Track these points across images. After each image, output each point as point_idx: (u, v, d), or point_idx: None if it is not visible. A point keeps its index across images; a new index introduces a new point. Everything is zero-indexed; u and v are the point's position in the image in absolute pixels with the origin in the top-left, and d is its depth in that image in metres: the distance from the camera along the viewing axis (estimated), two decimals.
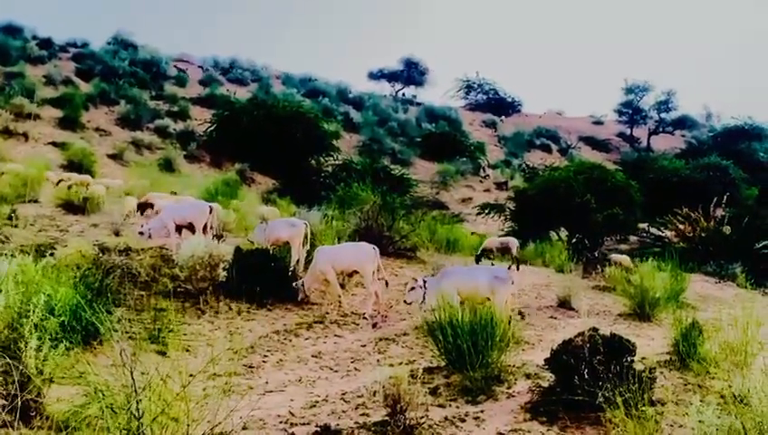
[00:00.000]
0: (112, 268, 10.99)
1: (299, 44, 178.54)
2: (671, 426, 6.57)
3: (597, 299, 15.12)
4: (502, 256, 19.34)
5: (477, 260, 18.38)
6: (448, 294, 10.31)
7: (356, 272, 12.50)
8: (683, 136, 79.31)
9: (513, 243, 19.33)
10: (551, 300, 14.33)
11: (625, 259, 19.70)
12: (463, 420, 6.88)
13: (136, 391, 4.90)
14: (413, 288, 11.02)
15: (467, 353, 8.02)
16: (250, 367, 8.96)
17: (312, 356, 9.71)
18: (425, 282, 10.93)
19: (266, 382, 8.35)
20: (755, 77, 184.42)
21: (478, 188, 49.57)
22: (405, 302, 11.43)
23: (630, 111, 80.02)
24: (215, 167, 36.17)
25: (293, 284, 12.17)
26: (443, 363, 8.51)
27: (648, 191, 36.38)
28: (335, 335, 10.80)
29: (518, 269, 18.15)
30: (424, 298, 10.70)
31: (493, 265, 18.10)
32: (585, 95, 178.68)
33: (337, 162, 38.02)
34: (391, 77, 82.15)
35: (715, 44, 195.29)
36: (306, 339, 10.53)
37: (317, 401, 7.60)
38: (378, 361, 9.53)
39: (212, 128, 38.23)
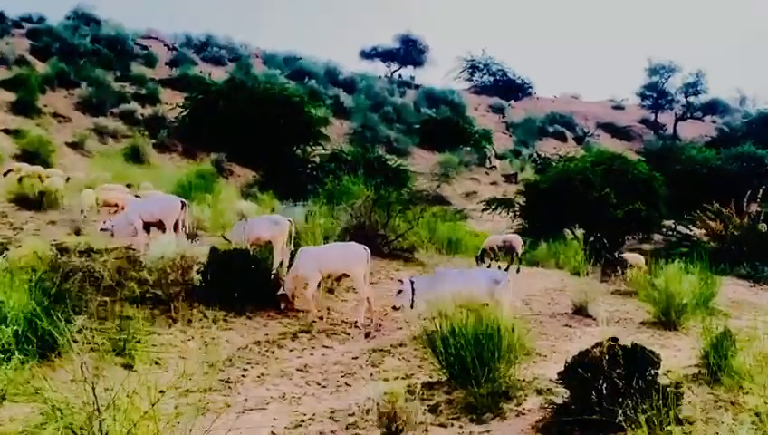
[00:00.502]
0: (72, 271, 10.92)
1: (282, 19, 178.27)
2: None
3: (617, 305, 15.15)
4: (505, 255, 19.33)
5: (478, 261, 18.39)
6: (443, 300, 10.38)
7: (345, 275, 12.52)
8: (713, 122, 79.52)
9: (518, 241, 19.33)
10: (565, 306, 14.36)
11: (637, 258, 19.76)
12: None
13: (98, 409, 4.89)
14: (400, 291, 11.06)
15: (471, 367, 8.02)
16: (227, 382, 8.95)
17: (298, 370, 9.71)
18: (412, 283, 10.95)
19: (246, 399, 8.35)
20: None
21: (484, 181, 49.61)
22: (393, 308, 11.46)
23: (655, 95, 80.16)
24: (188, 157, 36.08)
25: (278, 293, 12.10)
26: (444, 378, 8.52)
27: (675, 184, 36.42)
28: (323, 346, 10.81)
29: (518, 271, 18.17)
30: (412, 302, 10.74)
31: (490, 266, 18.16)
32: (604, 77, 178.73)
33: (325, 152, 37.97)
34: (386, 56, 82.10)
35: (749, 20, 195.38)
36: (291, 351, 10.53)
37: (303, 421, 7.61)
38: (371, 375, 9.53)
39: (184, 113, 38.04)
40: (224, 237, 14.66)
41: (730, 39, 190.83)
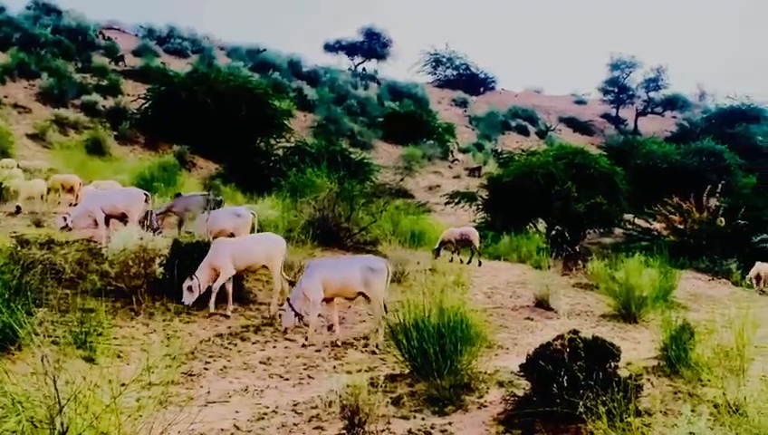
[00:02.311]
0: (33, 263, 10.78)
1: (246, 11, 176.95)
2: None
3: (578, 298, 15.32)
4: (462, 248, 19.40)
5: (435, 254, 18.39)
6: (313, 290, 10.38)
7: (264, 267, 12.11)
8: (674, 118, 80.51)
9: (474, 234, 19.38)
10: (527, 299, 14.47)
11: None
12: (428, 434, 6.91)
13: (60, 402, 4.84)
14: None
15: (434, 359, 8.07)
16: (190, 375, 8.90)
17: (261, 363, 9.68)
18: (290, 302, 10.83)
19: (208, 392, 8.31)
20: (754, 52, 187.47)
21: (447, 175, 49.74)
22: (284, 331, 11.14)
23: (616, 90, 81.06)
24: (150, 149, 35.68)
25: (184, 285, 11.23)
26: (407, 370, 8.56)
27: (635, 179, 36.93)
28: (286, 339, 10.77)
29: (480, 264, 18.23)
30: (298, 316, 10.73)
31: (454, 259, 18.23)
32: (566, 72, 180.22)
33: (289, 144, 37.83)
34: (350, 49, 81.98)
35: (710, 17, 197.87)
36: (254, 343, 10.49)
37: (265, 413, 7.58)
38: (334, 367, 9.54)
39: (147, 105, 37.71)
40: (186, 232, 14.54)
41: (690, 35, 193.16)
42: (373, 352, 10.35)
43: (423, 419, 7.26)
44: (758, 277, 21.16)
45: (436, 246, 18.97)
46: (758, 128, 68.38)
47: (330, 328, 11.32)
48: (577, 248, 20.33)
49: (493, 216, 31.40)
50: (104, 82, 44.55)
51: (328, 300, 10.93)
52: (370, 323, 11.57)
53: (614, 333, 11.98)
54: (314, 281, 10.60)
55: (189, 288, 11.12)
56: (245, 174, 28.78)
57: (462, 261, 18.29)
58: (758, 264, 21.47)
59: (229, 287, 11.72)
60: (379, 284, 10.61)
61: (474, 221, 31.90)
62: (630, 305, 13.23)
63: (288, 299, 10.79)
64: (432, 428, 7.02)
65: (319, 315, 12.04)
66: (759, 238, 28.76)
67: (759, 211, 31.67)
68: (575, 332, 7.24)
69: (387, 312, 10.81)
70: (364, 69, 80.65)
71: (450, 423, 7.15)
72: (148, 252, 11.53)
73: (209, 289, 11.47)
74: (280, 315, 10.89)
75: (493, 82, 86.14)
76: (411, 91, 69.00)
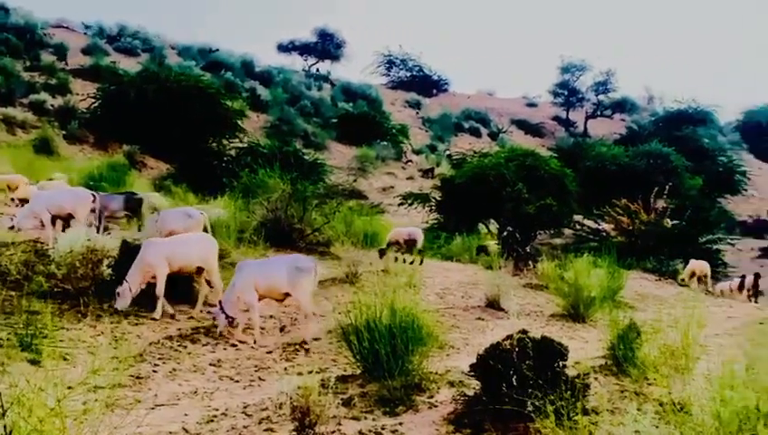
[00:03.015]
0: None
1: (197, 10, 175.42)
2: None
3: (528, 298, 15.43)
4: (408, 248, 19.39)
5: (381, 254, 18.34)
6: (245, 292, 10.36)
7: (200, 269, 11.73)
8: (622, 120, 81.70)
9: (418, 234, 19.40)
10: (478, 300, 14.53)
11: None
12: (379, 434, 6.91)
13: (2, 406, 4.74)
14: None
15: (385, 360, 8.07)
16: (138, 378, 8.77)
17: (211, 365, 9.59)
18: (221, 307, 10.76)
19: (156, 395, 8.21)
20: (700, 56, 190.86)
21: (401, 176, 49.87)
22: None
23: (566, 93, 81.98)
24: (99, 149, 35.19)
25: (117, 289, 10.93)
26: (358, 371, 8.54)
27: (585, 180, 37.42)
28: (237, 341, 10.69)
29: (421, 263, 18.24)
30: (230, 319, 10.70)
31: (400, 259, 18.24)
32: (518, 74, 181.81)
33: (241, 145, 37.59)
34: (303, 50, 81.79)
35: (658, 21, 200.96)
36: (204, 345, 10.39)
37: (215, 416, 7.51)
38: (285, 369, 9.49)
39: (96, 104, 37.22)
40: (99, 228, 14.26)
41: (639, 39, 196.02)
42: (319, 352, 10.32)
43: (374, 419, 7.25)
44: (693, 275, 21.48)
45: (383, 246, 18.87)
46: (704, 130, 69.70)
47: (282, 329, 11.27)
48: (528, 249, 20.48)
49: (446, 217, 31.55)
50: (53, 81, 43.91)
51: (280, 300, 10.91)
52: (322, 324, 11.54)
53: (563, 333, 12.10)
54: (245, 282, 10.54)
55: (119, 293, 10.86)
56: (197, 174, 28.48)
57: (405, 261, 18.30)
58: (692, 262, 21.81)
59: (159, 290, 11.31)
60: (305, 283, 10.57)
61: (427, 222, 32.04)
62: (579, 305, 13.37)
63: (220, 302, 10.73)
64: (383, 428, 7.01)
65: (270, 316, 12.03)
66: (705, 239, 29.33)
67: (705, 212, 32.30)
68: (524, 331, 7.28)
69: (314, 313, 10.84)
70: (318, 70, 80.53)
71: (401, 423, 7.14)
72: (96, 253, 11.35)
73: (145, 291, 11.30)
74: (214, 317, 10.83)
75: (446, 83, 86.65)
76: (365, 93, 69.10)
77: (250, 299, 10.55)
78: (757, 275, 22.16)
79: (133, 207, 15.86)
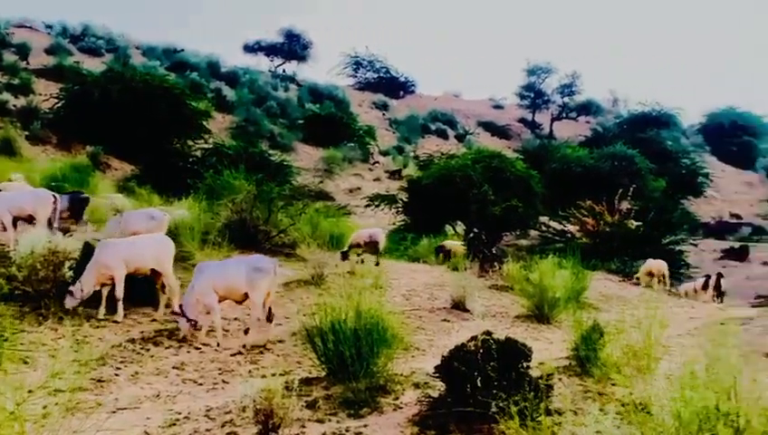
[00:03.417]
0: None
1: (163, 10, 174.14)
2: None
3: (494, 300, 15.49)
4: (371, 250, 19.34)
5: (344, 256, 18.27)
6: (205, 294, 10.30)
7: (154, 271, 11.59)
8: (588, 123, 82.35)
9: (380, 235, 19.40)
10: (444, 301, 14.56)
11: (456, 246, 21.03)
12: None
13: None
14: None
15: (350, 362, 8.06)
16: (99, 381, 8.68)
17: (174, 368, 9.51)
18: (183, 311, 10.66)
19: (117, 399, 8.12)
20: (664, 59, 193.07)
21: (367, 177, 49.86)
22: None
23: (532, 95, 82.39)
24: (63, 150, 34.75)
25: (70, 287, 10.81)
26: (323, 373, 8.51)
27: (550, 182, 37.64)
28: (201, 344, 10.61)
29: (377, 264, 18.22)
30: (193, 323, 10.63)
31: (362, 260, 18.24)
32: (484, 76, 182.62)
33: (207, 146, 37.34)
34: (270, 50, 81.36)
35: (621, 24, 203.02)
36: (167, 348, 10.30)
37: (177, 419, 7.44)
38: (249, 372, 9.44)
39: (59, 104, 36.76)
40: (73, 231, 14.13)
41: (604, 42, 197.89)
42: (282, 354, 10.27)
43: (338, 422, 7.23)
44: (650, 274, 21.60)
45: (345, 248, 18.77)
46: (668, 133, 70.44)
47: (246, 332, 11.19)
48: (493, 250, 20.57)
49: (412, 218, 31.58)
50: (15, 81, 43.26)
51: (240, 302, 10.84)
52: (286, 326, 11.50)
53: (528, 334, 12.16)
54: (204, 284, 10.46)
55: (70, 292, 10.71)
56: (162, 175, 28.24)
57: (362, 262, 18.27)
58: (649, 261, 21.94)
59: (119, 293, 11.20)
60: (263, 284, 10.51)
61: (394, 224, 32.08)
62: (544, 306, 13.45)
63: (180, 305, 10.64)
64: (347, 430, 6.98)
65: (235, 319, 11.96)
66: (668, 241, 29.66)
67: (668, 214, 32.65)
68: (488, 333, 7.30)
69: (273, 317, 10.76)
70: (284, 70, 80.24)
71: (365, 426, 7.13)
72: (58, 255, 11.20)
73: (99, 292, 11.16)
74: (177, 320, 10.75)
75: (413, 85, 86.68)
76: (332, 94, 68.94)
77: (210, 301, 10.47)
78: (719, 276, 22.42)
79: (76, 207, 15.62)
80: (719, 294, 21.71)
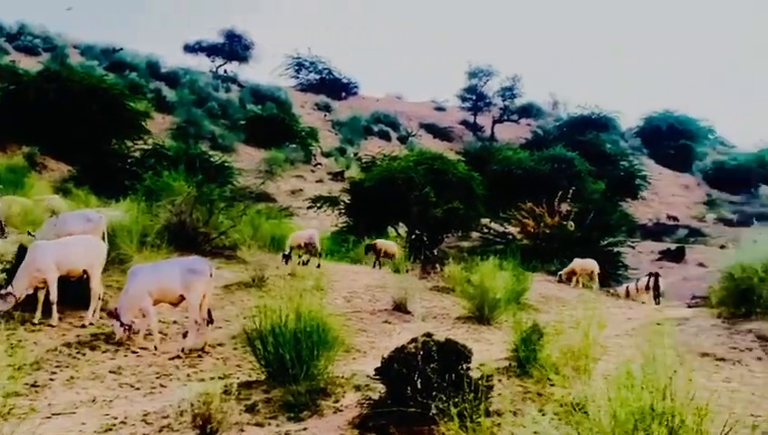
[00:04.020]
0: None
1: (101, 9, 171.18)
2: None
3: (435, 301, 15.53)
4: (309, 251, 19.25)
5: (285, 258, 18.16)
6: (139, 297, 10.19)
7: (85, 272, 11.32)
8: (528, 125, 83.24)
9: (317, 237, 19.40)
10: (386, 303, 14.57)
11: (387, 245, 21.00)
12: None
13: None
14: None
15: (290, 365, 8.01)
16: (34, 386, 8.50)
17: (110, 372, 9.35)
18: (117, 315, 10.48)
19: (51, 404, 7.96)
20: (603, 62, 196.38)
21: (310, 179, 49.71)
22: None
23: (474, 98, 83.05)
24: None
25: (1, 292, 10.56)
26: (263, 377, 8.45)
27: (492, 184, 37.85)
28: (138, 348, 10.44)
29: (319, 266, 18.17)
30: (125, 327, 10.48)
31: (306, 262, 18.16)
32: (427, 78, 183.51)
33: (146, 147, 36.83)
34: (211, 51, 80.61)
35: (563, 28, 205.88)
36: (104, 352, 10.12)
37: (113, 424, 7.32)
38: (187, 375, 9.32)
39: None
40: (29, 233, 13.80)
41: (544, 45, 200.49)
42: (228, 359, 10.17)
43: (278, 425, 7.18)
44: (573, 273, 21.73)
45: (286, 251, 18.65)
46: (607, 136, 71.60)
47: (185, 335, 11.05)
48: (435, 252, 20.66)
49: (355, 220, 31.53)
50: None
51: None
52: (226, 329, 11.39)
53: (468, 335, 12.22)
54: (139, 288, 10.30)
55: (3, 296, 10.46)
56: (100, 177, 27.75)
57: (303, 263, 18.22)
58: (576, 260, 22.07)
59: (53, 296, 10.96)
60: (199, 286, 10.37)
61: (336, 225, 31.99)
62: (484, 308, 13.52)
63: (115, 309, 10.46)
64: (287, 434, 6.94)
65: (174, 322, 11.80)
66: (606, 242, 30.11)
67: (607, 216, 33.15)
68: (429, 334, 7.31)
69: (212, 321, 10.65)
70: (225, 71, 79.59)
71: (305, 429, 7.09)
72: None
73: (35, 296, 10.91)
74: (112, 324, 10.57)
75: (355, 87, 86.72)
76: (274, 95, 68.61)
77: (144, 305, 10.30)
78: (657, 276, 22.74)
79: None
80: (657, 294, 22.01)
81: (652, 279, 22.23)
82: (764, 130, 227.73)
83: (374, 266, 20.95)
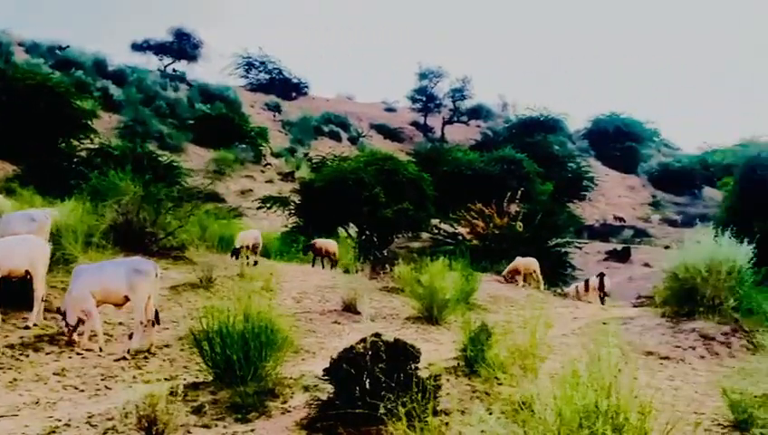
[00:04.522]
0: None
1: (47, 7, 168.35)
2: None
3: (385, 301, 15.55)
4: (254, 251, 19.22)
5: (233, 254, 18.06)
6: (82, 298, 10.07)
7: (28, 273, 11.05)
8: (478, 127, 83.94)
9: (260, 237, 19.39)
10: (335, 303, 14.55)
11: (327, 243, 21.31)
12: None
13: None
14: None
15: (238, 366, 7.97)
16: None
17: (54, 374, 9.18)
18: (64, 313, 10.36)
19: None
20: (552, 65, 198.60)
21: (260, 179, 49.46)
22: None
23: (424, 99, 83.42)
24: None
25: None
26: (210, 378, 8.38)
27: (442, 185, 38.03)
28: (84, 349, 10.28)
29: (255, 264, 18.10)
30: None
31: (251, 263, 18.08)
32: (378, 79, 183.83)
33: (92, 146, 36.27)
34: (159, 49, 79.68)
35: (510, 30, 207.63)
36: (47, 354, 9.94)
37: (57, 427, 7.20)
38: (133, 377, 9.20)
39: None
40: None
41: (494, 47, 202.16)
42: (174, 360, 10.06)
43: (225, 427, 7.13)
44: (517, 272, 21.79)
45: (233, 249, 18.51)
46: (555, 137, 72.40)
47: (131, 336, 10.91)
48: (385, 252, 20.68)
49: (305, 220, 31.43)
50: None
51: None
52: (173, 330, 11.28)
53: (418, 335, 12.26)
54: (82, 288, 10.14)
55: None
56: (45, 176, 27.27)
57: (248, 264, 18.17)
58: (517, 259, 22.15)
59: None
60: (144, 286, 10.21)
61: (286, 226, 31.85)
62: (434, 308, 13.56)
63: (58, 308, 10.29)
64: None
65: (120, 323, 11.64)
66: (554, 243, 30.41)
67: (555, 217, 33.51)
68: (378, 335, 7.32)
69: (158, 321, 10.53)
70: (174, 70, 78.76)
71: (253, 430, 7.05)
72: None
73: None
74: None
75: (306, 87, 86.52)
76: (223, 94, 68.11)
77: (88, 306, 10.12)
78: (602, 276, 22.95)
79: None
80: (602, 295, 22.22)
81: (596, 279, 22.45)
82: (708, 132, 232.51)
83: (313, 265, 20.90)
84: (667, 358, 11.33)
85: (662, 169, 79.93)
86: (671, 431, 5.60)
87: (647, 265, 38.76)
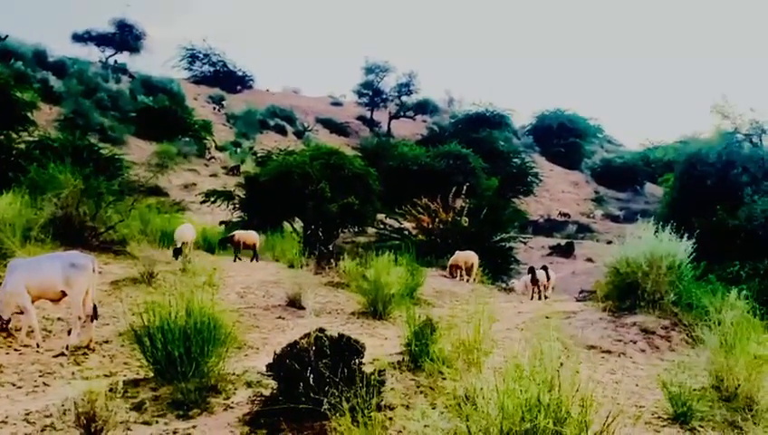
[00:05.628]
0: None
1: None
2: (399, 432, 6.88)
3: (330, 297, 15.52)
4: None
5: (175, 255, 17.86)
6: (16, 293, 9.90)
7: None
8: (424, 122, 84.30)
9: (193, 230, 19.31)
10: (280, 298, 14.48)
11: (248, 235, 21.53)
12: None
13: None
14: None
15: (179, 362, 7.87)
16: None
17: None
18: None
19: None
20: (498, 61, 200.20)
21: (204, 173, 49.01)
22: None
23: (371, 93, 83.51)
24: None
25: None
26: (151, 374, 8.27)
27: (388, 180, 38.15)
28: (21, 345, 10.06)
29: (190, 262, 17.92)
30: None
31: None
32: (324, 73, 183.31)
33: (31, 138, 35.56)
34: (101, 41, 78.37)
35: (457, 25, 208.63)
36: None
37: None
38: (72, 374, 9.02)
39: None
40: None
41: (441, 43, 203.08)
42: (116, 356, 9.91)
43: (166, 423, 7.04)
44: (457, 266, 21.90)
45: (175, 247, 18.28)
46: (500, 133, 72.99)
47: (69, 332, 10.71)
48: (330, 247, 20.62)
49: (250, 215, 31.25)
50: None
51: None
52: (114, 326, 11.10)
53: (363, 330, 12.25)
54: (16, 283, 9.92)
55: None
56: None
57: (189, 260, 18.00)
58: (457, 253, 22.24)
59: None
60: (81, 281, 10.01)
61: (230, 220, 31.64)
62: (379, 303, 13.57)
63: None
64: (175, 432, 6.82)
65: (59, 319, 11.43)
66: (498, 238, 30.70)
67: (500, 212, 33.81)
68: (322, 330, 7.31)
69: (97, 317, 10.35)
70: (116, 62, 77.52)
71: (194, 427, 6.98)
72: None
73: None
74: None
75: (251, 80, 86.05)
76: (166, 87, 67.27)
77: (22, 301, 9.90)
78: (544, 268, 23.14)
79: None
80: (539, 289, 22.44)
81: (540, 272, 22.65)
82: (650, 129, 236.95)
83: (234, 260, 20.72)
84: (608, 352, 11.51)
85: (605, 165, 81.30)
86: (612, 424, 5.69)
87: (590, 259, 39.40)
